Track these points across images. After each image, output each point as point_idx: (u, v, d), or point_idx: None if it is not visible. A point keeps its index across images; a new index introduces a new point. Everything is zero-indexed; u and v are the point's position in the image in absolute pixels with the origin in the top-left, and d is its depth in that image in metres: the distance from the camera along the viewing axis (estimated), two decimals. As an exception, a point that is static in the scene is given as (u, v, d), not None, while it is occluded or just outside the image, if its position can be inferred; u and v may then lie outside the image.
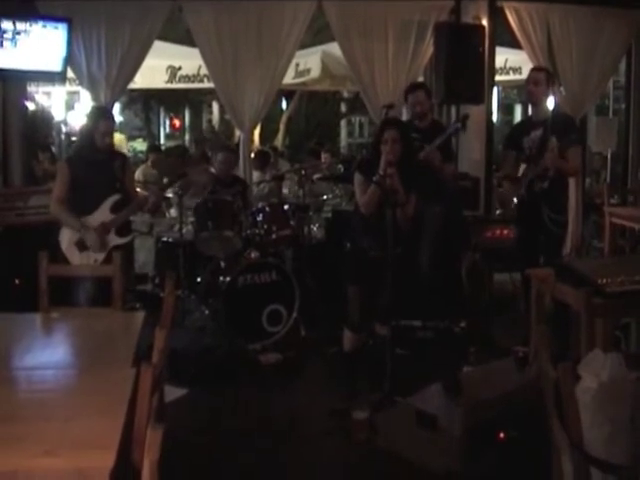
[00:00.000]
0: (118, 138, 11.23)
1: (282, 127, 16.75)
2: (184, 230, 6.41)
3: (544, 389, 2.56)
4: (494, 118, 8.59)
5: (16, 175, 7.14)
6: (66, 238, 5.16)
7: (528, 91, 5.85)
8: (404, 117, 6.97)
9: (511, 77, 10.89)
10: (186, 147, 17.59)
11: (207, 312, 6.21)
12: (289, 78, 9.77)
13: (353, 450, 4.32)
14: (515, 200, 5.90)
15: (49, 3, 6.79)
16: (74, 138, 11.73)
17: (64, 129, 12.77)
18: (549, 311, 5.07)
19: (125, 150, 11.57)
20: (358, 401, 4.62)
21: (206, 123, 23.74)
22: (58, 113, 13.43)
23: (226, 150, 6.98)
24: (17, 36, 6.34)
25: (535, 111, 5.90)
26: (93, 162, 5.17)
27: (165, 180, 7.01)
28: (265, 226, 6.24)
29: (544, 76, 5.78)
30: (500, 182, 6.14)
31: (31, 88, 10.05)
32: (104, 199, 5.19)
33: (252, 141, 9.49)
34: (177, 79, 10.43)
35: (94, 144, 5.18)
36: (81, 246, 5.12)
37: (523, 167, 5.84)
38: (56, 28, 6.55)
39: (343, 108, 20.36)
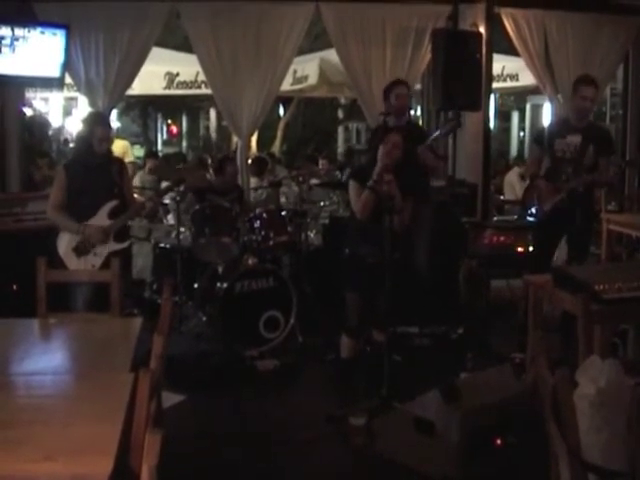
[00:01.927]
0: (122, 144, 11.18)
1: (279, 133, 16.73)
2: (181, 236, 6.42)
3: (541, 395, 2.56)
4: (491, 125, 8.60)
5: (14, 181, 7.15)
6: (64, 243, 5.14)
7: (582, 107, 5.72)
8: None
9: (508, 84, 10.90)
10: (184, 154, 17.58)
11: (204, 318, 6.20)
12: (287, 85, 9.78)
13: (351, 456, 4.32)
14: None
15: (47, 9, 6.80)
16: (72, 145, 11.70)
17: (63, 135, 12.77)
18: (555, 320, 5.10)
19: (131, 156, 11.51)
20: (356, 407, 4.62)
21: (203, 130, 23.75)
22: (56, 119, 13.43)
23: (232, 162, 6.98)
24: (15, 42, 6.36)
25: (578, 118, 5.81)
26: (91, 167, 5.16)
27: (163, 185, 7.00)
28: (262, 232, 6.24)
29: (595, 90, 5.75)
30: (532, 179, 6.09)
31: (29, 94, 10.07)
32: (102, 204, 5.17)
33: (249, 147, 9.49)
34: (175, 85, 10.44)
35: (91, 149, 5.18)
36: (79, 251, 5.11)
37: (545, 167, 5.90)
38: (54, 34, 6.58)
39: (340, 114, 20.35)
